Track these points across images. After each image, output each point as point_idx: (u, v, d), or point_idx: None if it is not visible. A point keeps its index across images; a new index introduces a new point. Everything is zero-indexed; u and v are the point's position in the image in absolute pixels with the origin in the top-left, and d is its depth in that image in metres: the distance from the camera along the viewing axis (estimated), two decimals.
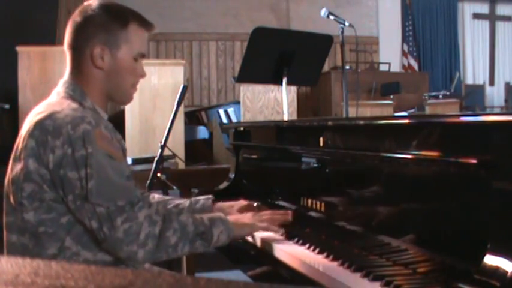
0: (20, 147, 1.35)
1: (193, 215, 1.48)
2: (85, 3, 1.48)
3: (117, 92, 1.50)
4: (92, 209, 1.29)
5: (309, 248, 1.47)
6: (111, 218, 1.29)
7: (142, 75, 1.54)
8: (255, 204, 1.80)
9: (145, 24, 1.51)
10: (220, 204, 1.81)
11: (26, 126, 1.37)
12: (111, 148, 1.35)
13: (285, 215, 1.66)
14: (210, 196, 1.84)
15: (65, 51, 1.49)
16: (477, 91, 8.69)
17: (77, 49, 1.46)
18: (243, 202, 1.80)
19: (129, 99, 1.55)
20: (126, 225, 1.30)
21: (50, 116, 1.33)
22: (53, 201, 1.32)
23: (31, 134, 1.33)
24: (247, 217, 1.59)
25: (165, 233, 1.35)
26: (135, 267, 1.43)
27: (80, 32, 1.46)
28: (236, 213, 1.71)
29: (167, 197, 1.84)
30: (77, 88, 1.45)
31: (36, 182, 1.31)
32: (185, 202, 1.80)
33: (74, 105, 1.39)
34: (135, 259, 1.33)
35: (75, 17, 1.47)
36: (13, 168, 1.36)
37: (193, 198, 1.82)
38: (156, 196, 1.82)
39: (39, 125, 1.33)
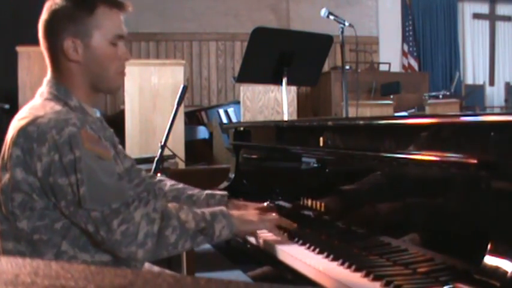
0: (6, 156, 1.32)
1: (194, 210, 1.43)
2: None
3: (102, 82, 1.44)
4: (87, 215, 1.26)
5: (309, 248, 1.47)
6: (107, 221, 1.26)
7: (127, 57, 1.47)
8: (265, 204, 1.78)
9: (114, 3, 1.42)
10: (236, 202, 1.76)
11: (10, 132, 1.32)
12: (99, 149, 1.30)
13: (291, 225, 1.61)
14: (226, 193, 1.79)
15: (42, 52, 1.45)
16: (477, 91, 8.69)
17: (50, 47, 1.41)
18: (257, 204, 1.74)
19: (116, 86, 1.49)
20: (123, 227, 1.27)
21: (33, 122, 1.28)
22: (44, 209, 1.29)
23: (15, 142, 1.28)
24: (251, 214, 1.56)
25: (164, 231, 1.32)
26: (136, 266, 1.43)
27: (48, 29, 1.41)
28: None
29: (180, 185, 1.78)
30: (61, 87, 1.40)
31: (25, 192, 1.28)
32: (200, 194, 1.74)
33: (58, 107, 1.35)
34: (135, 259, 1.32)
35: (43, 15, 1.42)
36: (1, 177, 1.32)
37: (209, 192, 1.77)
38: (168, 183, 1.77)
39: (22, 132, 1.28)
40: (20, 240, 1.32)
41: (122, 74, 1.48)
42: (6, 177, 1.30)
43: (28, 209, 1.29)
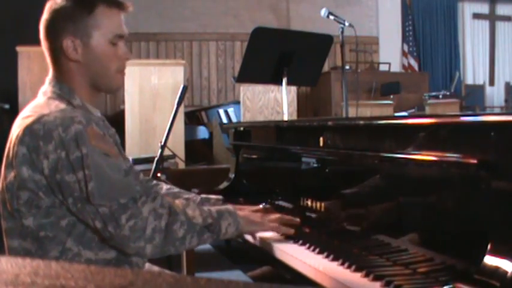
0: (11, 154, 1.32)
1: (201, 207, 1.44)
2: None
3: (102, 81, 1.44)
4: (95, 210, 1.27)
5: (309, 248, 1.47)
6: (115, 216, 1.27)
7: (127, 57, 1.46)
8: (261, 206, 1.78)
9: (114, 3, 1.42)
10: (231, 206, 1.78)
11: (16, 131, 1.33)
12: (105, 146, 1.31)
13: (293, 220, 1.60)
14: (220, 197, 1.81)
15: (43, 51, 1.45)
16: (477, 91, 8.69)
17: (51, 47, 1.42)
18: (252, 207, 1.72)
19: (116, 85, 1.48)
20: (131, 222, 1.28)
21: (39, 120, 1.29)
22: (50, 207, 1.30)
23: (21, 140, 1.29)
24: (256, 216, 1.55)
25: (171, 226, 1.32)
26: (137, 264, 1.43)
27: (49, 28, 1.41)
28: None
29: (176, 189, 1.79)
30: (64, 86, 1.41)
31: (31, 190, 1.28)
32: (195, 198, 1.75)
33: (62, 105, 1.35)
34: (143, 254, 1.32)
35: (44, 15, 1.42)
36: (6, 175, 1.33)
37: (203, 196, 1.78)
38: (164, 187, 1.78)
39: (28, 130, 1.28)
40: (26, 238, 1.32)
41: (122, 73, 1.48)
42: (12, 175, 1.31)
43: (34, 206, 1.30)
